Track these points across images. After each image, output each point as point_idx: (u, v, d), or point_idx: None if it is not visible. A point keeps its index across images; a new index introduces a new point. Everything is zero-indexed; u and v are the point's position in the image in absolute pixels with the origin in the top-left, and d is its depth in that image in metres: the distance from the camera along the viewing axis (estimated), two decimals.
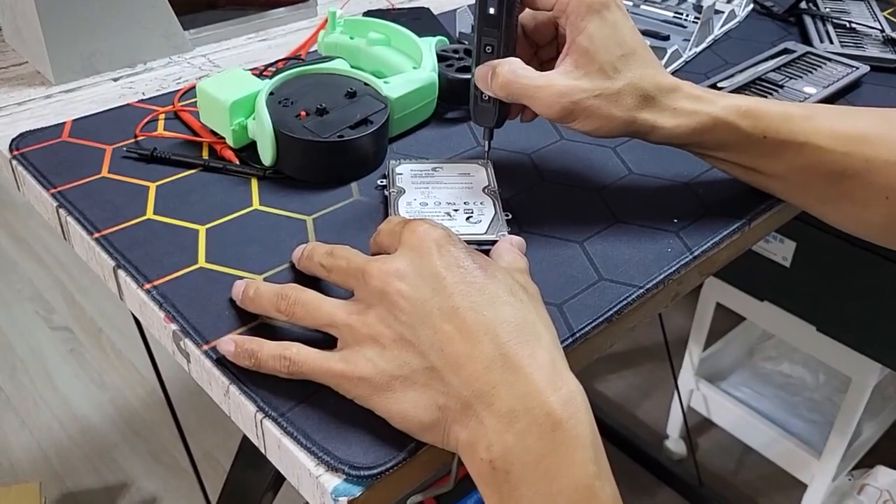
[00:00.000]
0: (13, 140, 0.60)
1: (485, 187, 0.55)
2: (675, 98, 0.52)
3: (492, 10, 0.51)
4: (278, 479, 0.82)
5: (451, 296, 0.39)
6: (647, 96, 0.51)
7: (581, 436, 0.36)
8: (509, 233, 0.51)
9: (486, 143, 0.57)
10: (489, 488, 0.37)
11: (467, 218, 0.52)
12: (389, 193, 0.54)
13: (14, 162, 0.59)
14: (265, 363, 0.41)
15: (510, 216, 0.53)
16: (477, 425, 0.37)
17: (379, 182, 0.57)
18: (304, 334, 0.44)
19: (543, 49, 0.56)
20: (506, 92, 0.51)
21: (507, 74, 0.51)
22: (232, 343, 0.42)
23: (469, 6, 0.78)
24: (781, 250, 1.29)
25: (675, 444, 1.59)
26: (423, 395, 0.38)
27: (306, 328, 0.44)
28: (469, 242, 0.43)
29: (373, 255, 0.43)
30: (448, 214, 0.52)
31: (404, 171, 0.56)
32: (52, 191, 0.55)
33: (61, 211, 0.54)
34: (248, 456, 0.85)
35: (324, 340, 0.42)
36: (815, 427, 1.50)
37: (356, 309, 0.41)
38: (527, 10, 0.54)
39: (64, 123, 0.63)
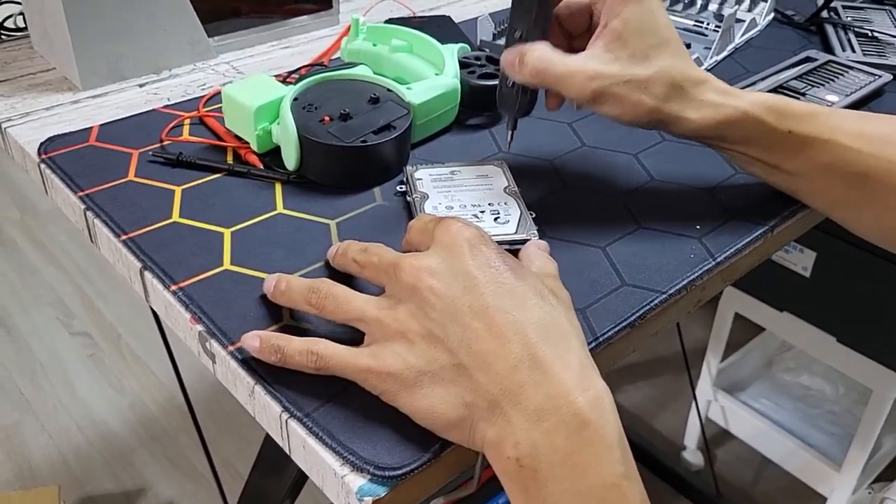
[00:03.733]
0: (41, 144, 0.61)
1: (506, 188, 0.55)
2: (703, 90, 0.52)
3: None
4: (297, 486, 0.82)
5: (482, 295, 0.39)
6: (675, 86, 0.51)
7: (608, 436, 0.36)
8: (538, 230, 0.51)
9: (510, 132, 0.57)
10: (516, 486, 0.37)
11: (495, 219, 0.52)
12: (413, 199, 0.54)
13: (42, 165, 0.59)
14: (292, 358, 0.41)
15: (535, 215, 0.54)
16: (504, 423, 0.37)
17: (398, 188, 0.57)
18: (330, 333, 0.44)
19: (576, 39, 0.56)
20: (536, 79, 0.51)
21: (536, 62, 0.51)
22: (257, 339, 0.42)
23: (490, 14, 0.78)
24: (801, 260, 1.28)
25: (692, 455, 1.58)
26: (450, 391, 0.38)
27: (334, 326, 0.44)
28: (500, 243, 0.43)
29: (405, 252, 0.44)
30: (475, 216, 0.52)
31: (424, 176, 0.57)
32: (80, 194, 0.56)
33: (89, 213, 0.54)
34: (268, 462, 0.86)
35: (350, 340, 0.42)
36: (835, 439, 1.48)
37: (386, 304, 0.41)
38: None
39: (91, 128, 0.64)
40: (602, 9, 0.52)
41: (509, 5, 0.54)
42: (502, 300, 0.39)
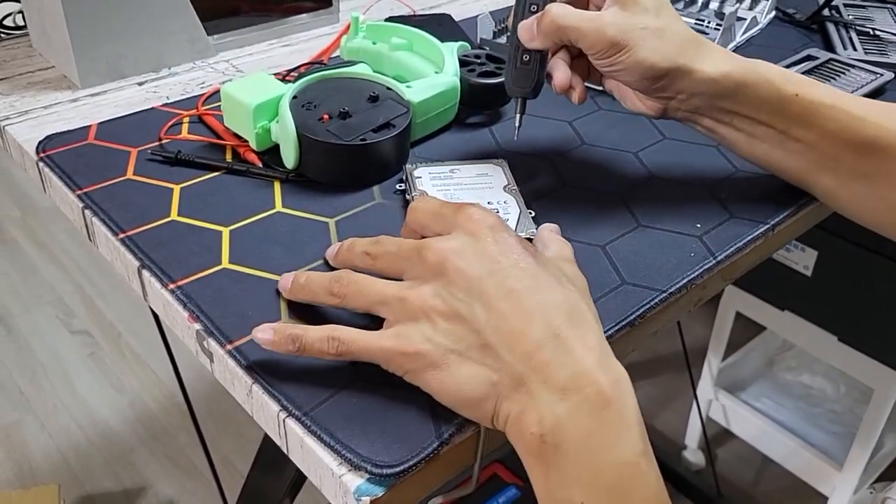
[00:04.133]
0: (40, 142, 0.61)
1: (505, 186, 0.55)
2: (710, 47, 0.53)
3: None
4: (296, 485, 0.82)
5: (506, 278, 0.39)
6: (687, 39, 0.52)
7: (628, 416, 0.37)
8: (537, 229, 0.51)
9: (518, 117, 0.57)
10: (537, 462, 0.37)
11: None
12: (412, 197, 0.54)
13: (41, 164, 0.59)
14: (311, 346, 0.41)
15: (534, 213, 0.53)
16: (528, 399, 0.37)
17: (398, 186, 0.57)
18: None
19: None
20: (555, 27, 0.51)
21: (555, 14, 0.51)
22: (270, 330, 0.41)
23: (490, 12, 0.78)
24: (803, 259, 1.28)
25: (693, 454, 1.58)
26: (476, 370, 0.38)
27: (353, 313, 0.44)
28: None
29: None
30: None
31: (423, 175, 0.57)
32: (78, 192, 0.56)
33: (87, 212, 0.54)
34: (266, 462, 0.86)
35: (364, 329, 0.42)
36: (836, 439, 1.48)
37: (409, 285, 0.41)
38: None
39: (90, 126, 0.63)
40: None
41: (509, 4, 0.54)
42: (525, 283, 0.40)
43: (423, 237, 0.43)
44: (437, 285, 0.40)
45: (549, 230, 0.48)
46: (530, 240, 0.50)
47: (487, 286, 0.39)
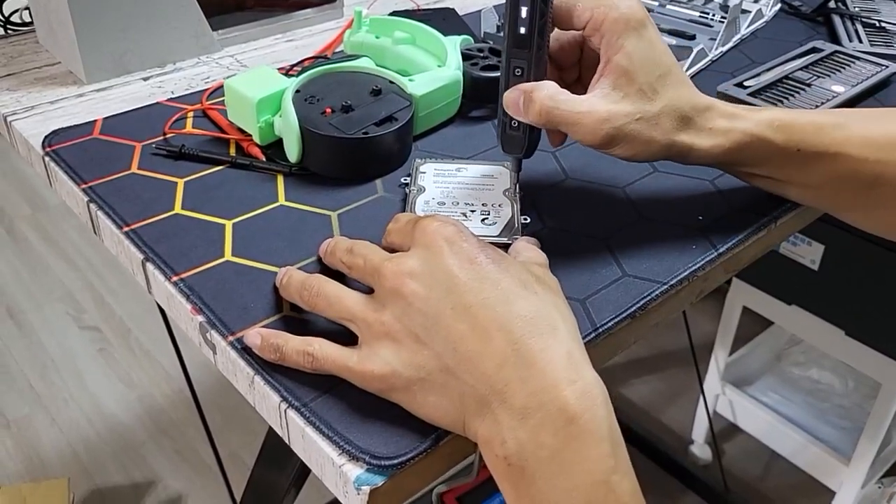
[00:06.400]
0: (46, 137, 0.61)
1: (505, 190, 0.55)
2: (710, 117, 0.51)
3: (522, 30, 0.48)
4: (300, 478, 0.82)
5: (463, 294, 0.39)
6: (684, 117, 0.50)
7: (597, 430, 0.36)
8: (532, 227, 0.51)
9: (515, 174, 0.55)
10: (506, 484, 0.37)
11: (483, 220, 0.52)
12: (410, 191, 0.54)
13: (47, 158, 0.60)
14: (289, 357, 0.42)
15: (528, 220, 0.53)
16: (492, 422, 0.37)
17: (403, 180, 0.57)
18: (330, 327, 0.44)
19: (566, 71, 0.54)
20: (545, 120, 0.48)
21: (546, 101, 0.48)
22: (258, 336, 0.42)
23: (494, 7, 0.78)
24: (809, 253, 1.27)
25: (700, 449, 1.58)
26: (441, 396, 0.38)
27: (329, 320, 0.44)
28: None
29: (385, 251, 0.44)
30: (464, 215, 0.52)
31: (428, 170, 0.57)
32: (83, 186, 0.56)
33: (92, 205, 0.55)
34: (271, 455, 0.86)
35: (349, 333, 0.43)
36: (844, 433, 1.48)
37: (374, 306, 0.41)
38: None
39: (95, 121, 0.64)
40: (599, 44, 0.49)
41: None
42: (484, 296, 0.39)
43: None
44: (396, 309, 0.40)
45: (525, 241, 0.48)
46: (509, 245, 0.49)
47: (444, 307, 0.38)
